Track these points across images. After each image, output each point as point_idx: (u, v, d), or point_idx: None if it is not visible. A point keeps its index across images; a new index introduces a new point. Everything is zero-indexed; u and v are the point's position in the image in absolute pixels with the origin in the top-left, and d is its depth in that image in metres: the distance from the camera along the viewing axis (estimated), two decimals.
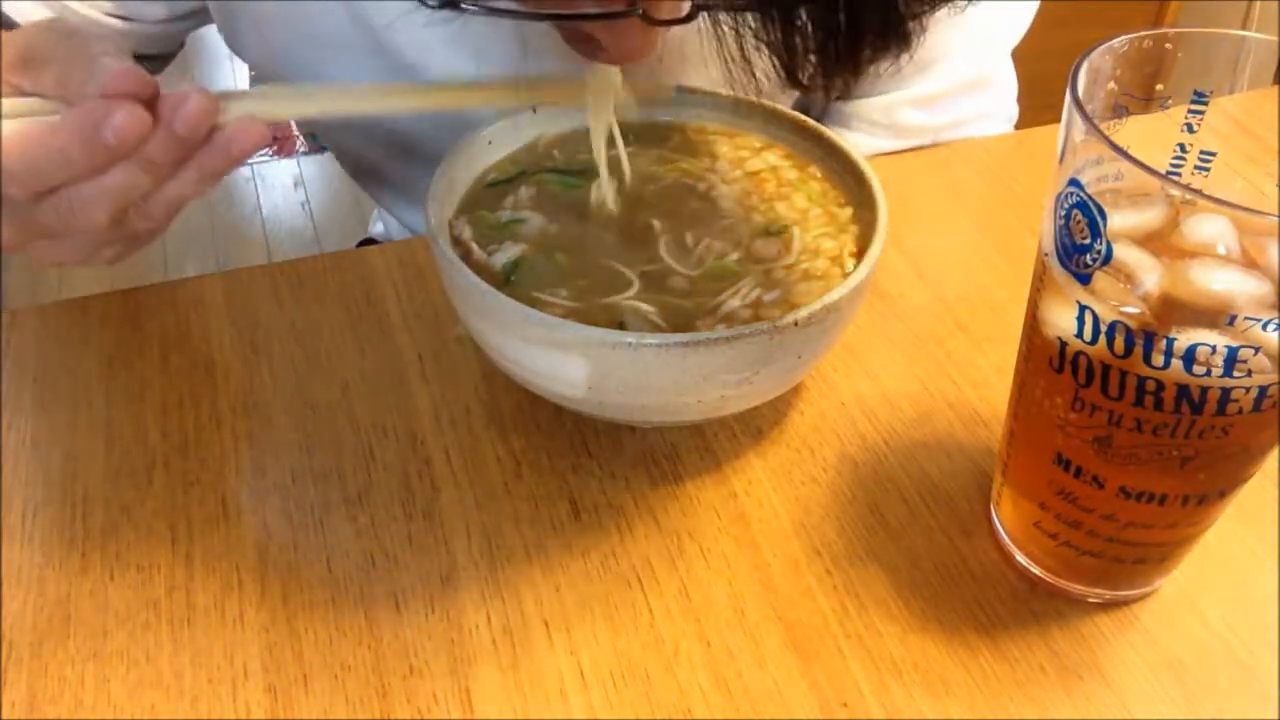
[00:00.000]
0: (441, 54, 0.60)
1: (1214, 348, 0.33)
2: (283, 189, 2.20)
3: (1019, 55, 0.72)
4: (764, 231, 0.50)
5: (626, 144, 0.54)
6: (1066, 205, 0.35)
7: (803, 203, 0.51)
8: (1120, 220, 0.36)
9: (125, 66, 0.39)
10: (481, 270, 0.46)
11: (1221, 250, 0.36)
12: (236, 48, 0.65)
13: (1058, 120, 0.36)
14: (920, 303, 0.58)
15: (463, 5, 0.39)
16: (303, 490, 0.48)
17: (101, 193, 0.40)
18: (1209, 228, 0.36)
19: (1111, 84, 0.38)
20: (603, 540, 0.46)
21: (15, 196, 0.40)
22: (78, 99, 0.39)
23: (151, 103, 0.39)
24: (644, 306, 0.46)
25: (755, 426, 0.51)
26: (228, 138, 0.40)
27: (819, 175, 0.53)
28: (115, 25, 0.63)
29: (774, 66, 0.35)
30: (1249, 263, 0.35)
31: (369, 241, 0.92)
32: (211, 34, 0.66)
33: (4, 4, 0.57)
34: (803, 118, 0.53)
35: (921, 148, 0.69)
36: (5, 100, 0.40)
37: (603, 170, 0.50)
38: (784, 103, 0.55)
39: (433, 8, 0.38)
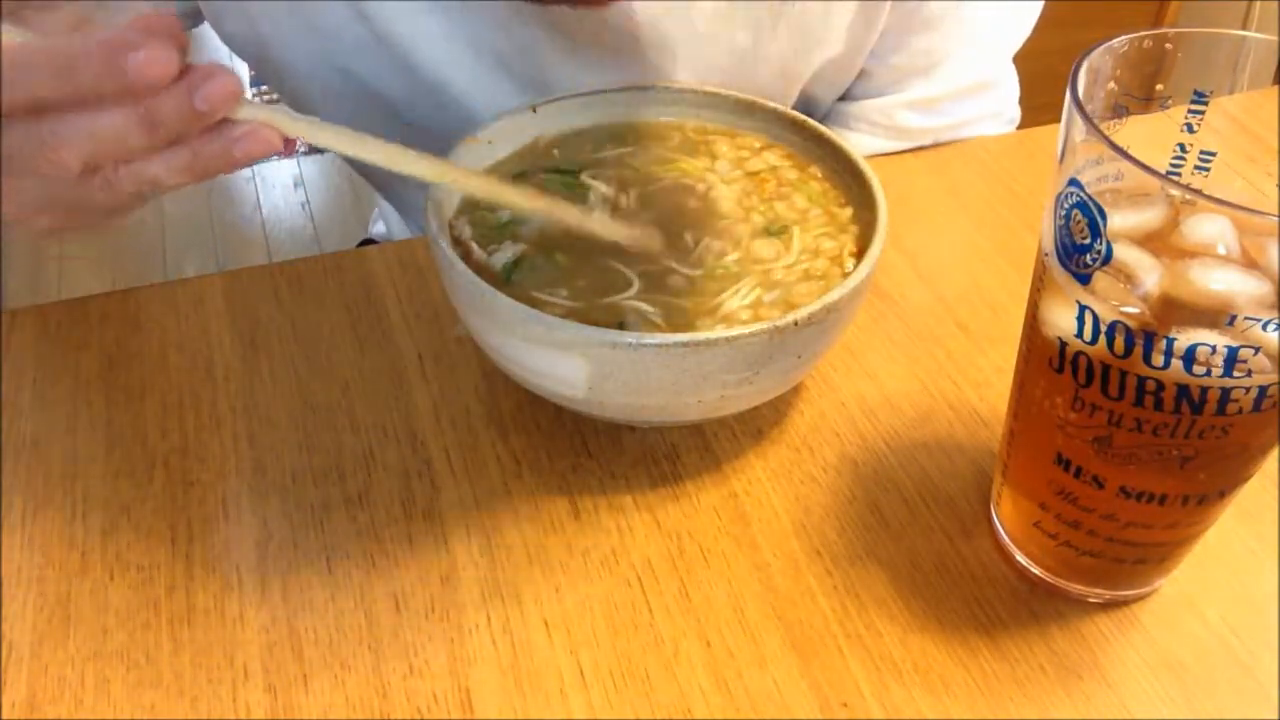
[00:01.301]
0: (443, 46, 0.60)
1: (1214, 348, 0.33)
2: (283, 189, 2.20)
3: (1019, 55, 0.72)
4: (764, 231, 0.50)
5: (626, 144, 0.54)
6: (1066, 205, 0.35)
7: (803, 203, 0.51)
8: (1120, 220, 0.36)
9: (161, 7, 0.36)
10: (481, 270, 0.46)
11: (1221, 250, 0.36)
12: (224, 34, 0.64)
13: (1058, 120, 0.36)
14: (920, 303, 0.58)
15: None
16: (303, 490, 0.48)
17: (86, 132, 0.37)
18: (1209, 228, 0.36)
19: (1111, 84, 0.38)
20: (603, 540, 0.46)
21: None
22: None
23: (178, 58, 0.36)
24: (644, 306, 0.46)
25: (755, 426, 0.51)
26: (237, 135, 0.38)
27: (819, 175, 0.53)
28: None
29: None
30: (1249, 263, 0.35)
31: (369, 242, 0.92)
32: (209, 34, 0.66)
33: None
34: (803, 118, 0.53)
35: (922, 148, 0.69)
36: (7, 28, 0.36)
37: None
38: (787, 101, 0.55)
39: None
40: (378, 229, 0.93)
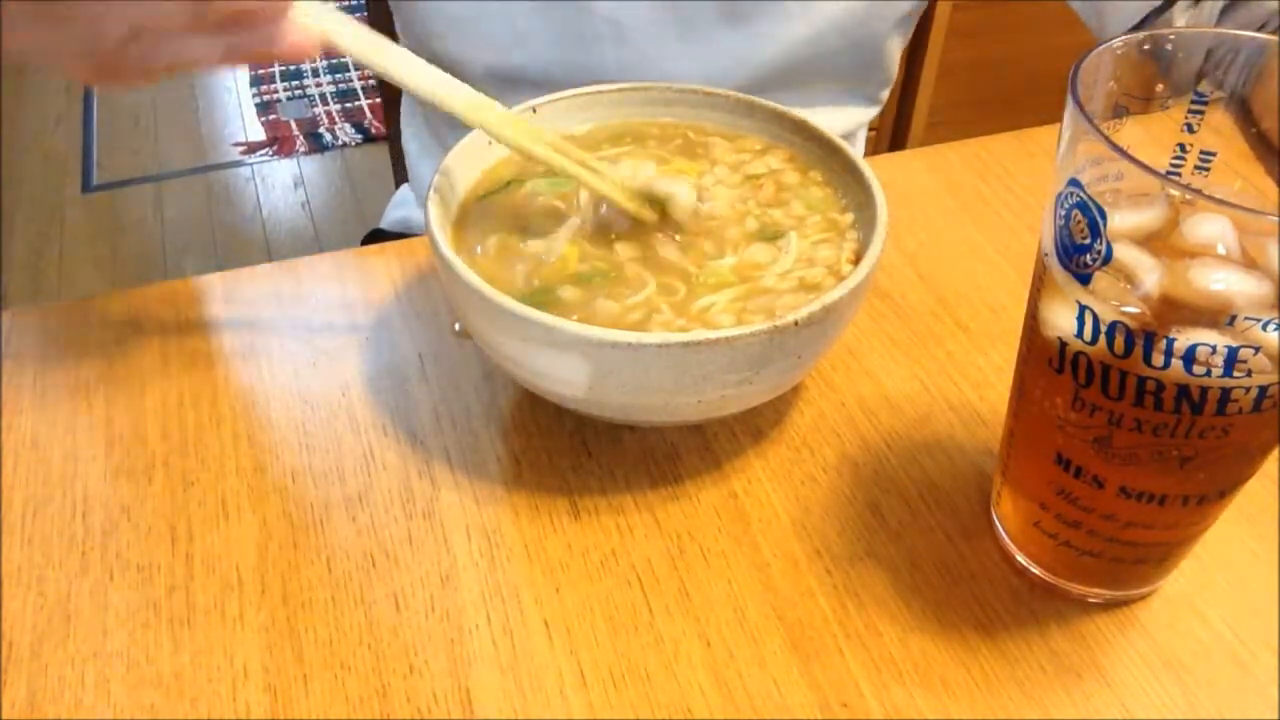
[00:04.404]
0: None
1: (1214, 348, 0.33)
2: (283, 189, 2.20)
3: (1019, 55, 0.71)
4: (760, 237, 0.50)
5: (624, 144, 0.54)
6: (1066, 205, 0.35)
7: (801, 209, 0.51)
8: (1120, 220, 0.36)
9: None
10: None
11: (1221, 250, 0.36)
12: None
13: (1058, 120, 0.36)
14: (920, 303, 0.58)
15: None
16: (303, 490, 0.48)
17: (135, 7, 0.38)
18: (1209, 228, 0.36)
19: (1111, 84, 0.38)
20: (603, 540, 0.46)
21: None
22: None
23: None
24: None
25: (755, 426, 0.51)
26: (279, 33, 0.38)
27: (819, 180, 0.53)
28: None
29: None
30: (1249, 263, 0.35)
31: (378, 232, 0.92)
32: None
33: None
34: (803, 118, 0.53)
35: (921, 148, 0.69)
36: None
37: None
38: None
39: None
40: (397, 215, 0.92)
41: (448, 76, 0.45)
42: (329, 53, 0.40)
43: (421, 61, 0.44)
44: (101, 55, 0.40)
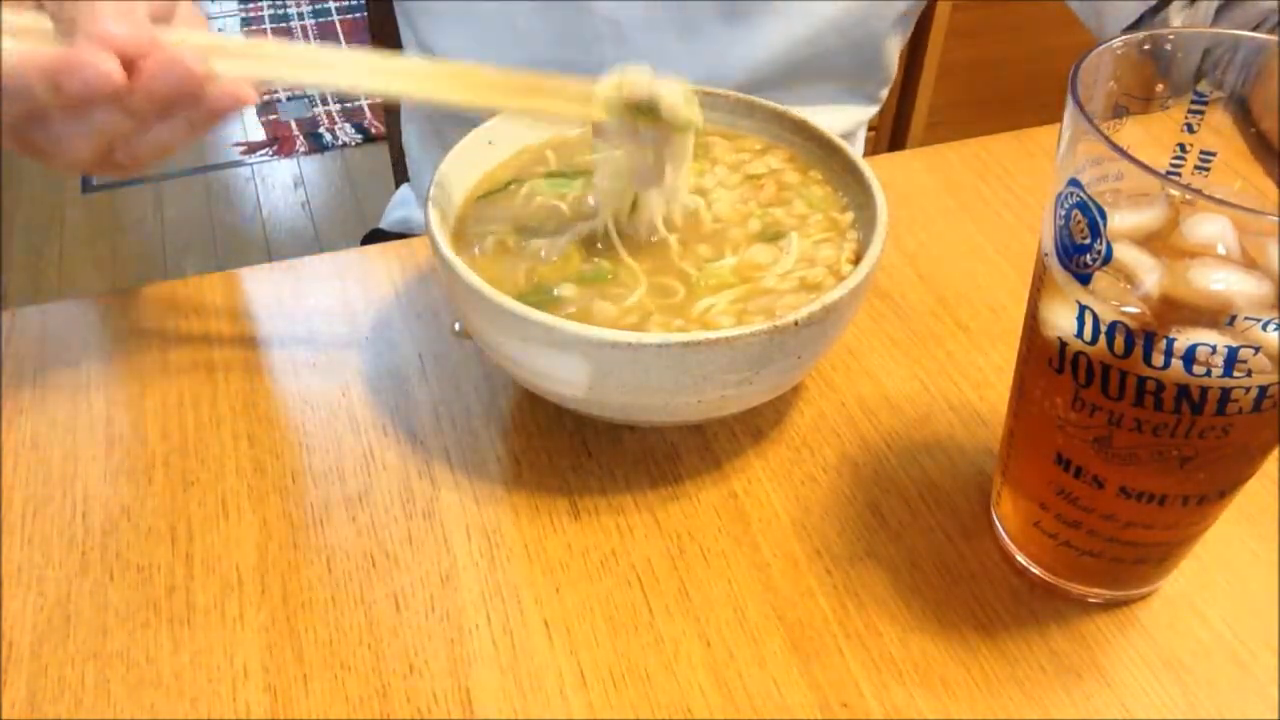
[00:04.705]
0: None
1: (1214, 348, 0.33)
2: (283, 189, 2.20)
3: (1019, 55, 0.72)
4: (761, 236, 0.50)
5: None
6: (1066, 205, 0.35)
7: (802, 208, 0.51)
8: (1120, 220, 0.36)
9: (119, 10, 0.39)
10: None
11: (1221, 250, 0.36)
12: None
13: (1058, 120, 0.36)
14: (920, 303, 0.58)
15: None
16: (303, 490, 0.48)
17: (84, 129, 0.41)
18: (1209, 228, 0.36)
19: (1111, 84, 0.38)
20: (603, 540, 0.46)
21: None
22: (70, 32, 0.39)
23: (143, 52, 0.39)
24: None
25: (755, 426, 0.51)
26: (216, 95, 0.41)
27: (820, 179, 0.53)
28: None
29: None
30: (1249, 263, 0.35)
31: (377, 232, 0.92)
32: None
33: None
34: (803, 118, 0.53)
35: (921, 148, 0.69)
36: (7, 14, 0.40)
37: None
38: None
39: None
40: (397, 215, 0.92)
41: (369, 60, 0.45)
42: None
43: (347, 55, 0.45)
44: (90, 164, 0.44)
